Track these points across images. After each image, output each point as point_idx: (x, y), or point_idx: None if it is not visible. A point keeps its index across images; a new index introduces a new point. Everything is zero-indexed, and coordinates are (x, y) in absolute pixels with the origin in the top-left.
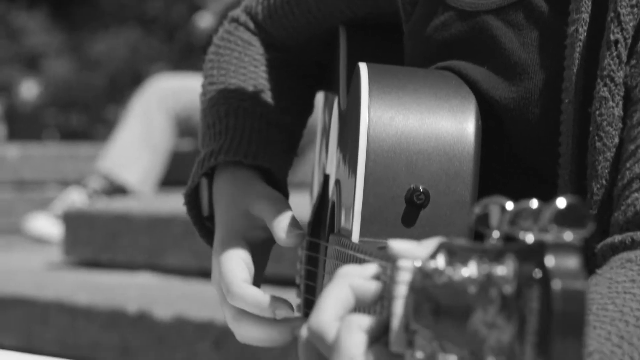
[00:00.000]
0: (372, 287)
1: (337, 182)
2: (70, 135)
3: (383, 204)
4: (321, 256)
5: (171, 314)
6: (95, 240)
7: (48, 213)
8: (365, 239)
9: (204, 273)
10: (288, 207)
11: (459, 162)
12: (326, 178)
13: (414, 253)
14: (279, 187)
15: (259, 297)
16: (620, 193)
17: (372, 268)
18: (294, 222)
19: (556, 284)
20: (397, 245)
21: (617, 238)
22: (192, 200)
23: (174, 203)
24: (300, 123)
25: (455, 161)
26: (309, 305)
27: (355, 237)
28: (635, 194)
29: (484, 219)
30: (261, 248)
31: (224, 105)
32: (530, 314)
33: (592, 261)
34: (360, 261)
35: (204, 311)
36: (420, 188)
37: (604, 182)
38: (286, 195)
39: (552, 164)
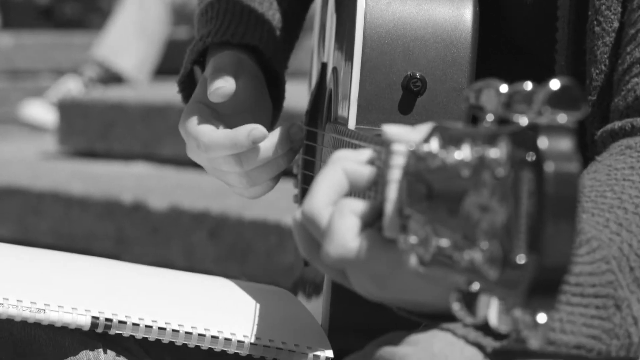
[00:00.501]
0: (365, 172)
1: (334, 69)
2: (65, 24)
3: (380, 91)
4: (318, 145)
5: (166, 204)
6: (91, 129)
7: (43, 100)
8: (362, 126)
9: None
10: (233, 67)
11: (456, 48)
12: (323, 66)
13: (407, 137)
14: (271, 67)
15: (229, 134)
16: (620, 78)
17: (366, 153)
18: (220, 75)
19: (549, 166)
20: (391, 129)
21: (617, 124)
22: (187, 88)
23: (169, 92)
24: (299, 6)
25: (452, 48)
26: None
27: (352, 124)
28: (636, 79)
29: (478, 100)
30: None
31: None
32: (523, 197)
33: (592, 148)
34: (355, 147)
35: (199, 201)
36: (417, 75)
37: (603, 67)
38: (280, 78)
39: (549, 50)
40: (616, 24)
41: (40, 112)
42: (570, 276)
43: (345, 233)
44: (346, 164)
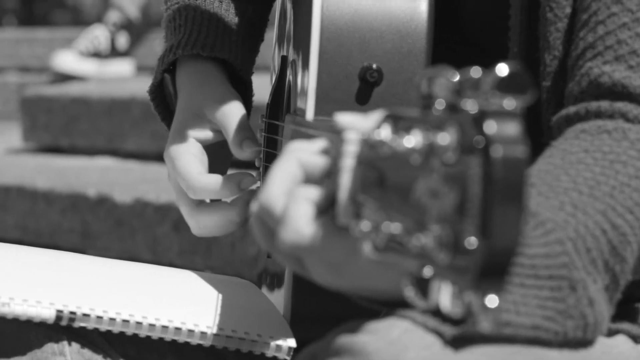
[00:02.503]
0: (319, 161)
1: (293, 62)
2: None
3: (337, 82)
4: (279, 137)
5: (131, 197)
6: (54, 125)
7: (73, 50)
8: (320, 117)
9: (162, 156)
10: (242, 112)
11: (412, 39)
12: (283, 59)
13: (359, 125)
14: (240, 77)
15: (220, 181)
16: (574, 63)
17: (320, 143)
18: (249, 134)
19: (496, 151)
20: (344, 118)
21: (571, 109)
22: (158, 97)
23: (133, 85)
24: (263, 9)
25: (408, 39)
26: None
27: (310, 116)
28: (589, 63)
29: (429, 87)
30: (219, 146)
31: None
32: (472, 182)
33: (548, 134)
34: (312, 137)
35: (164, 194)
36: (374, 66)
37: (556, 53)
38: (248, 85)
39: (503, 38)
40: (568, 10)
41: (74, 61)
42: (524, 258)
43: (299, 219)
44: (300, 154)
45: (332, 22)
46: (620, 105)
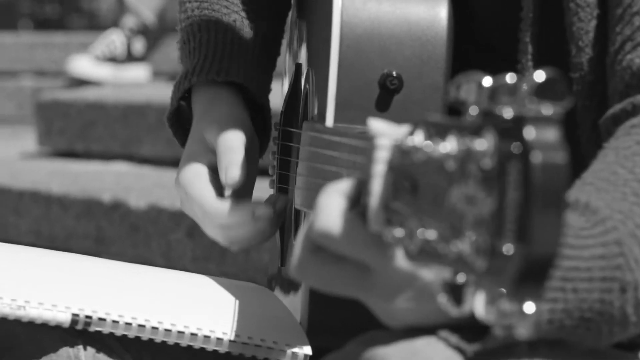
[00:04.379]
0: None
1: (310, 69)
2: (44, 24)
3: (357, 89)
4: (294, 144)
5: (146, 203)
6: (70, 129)
7: (89, 55)
8: (339, 124)
9: (179, 162)
10: (237, 136)
11: (432, 46)
12: (298, 67)
13: (392, 131)
14: (256, 100)
15: (235, 208)
16: (613, 59)
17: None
18: (235, 159)
19: (536, 157)
20: (376, 124)
21: (617, 107)
22: (176, 123)
23: (149, 91)
24: (277, 25)
25: (428, 46)
26: (282, 192)
27: (330, 123)
28: (629, 56)
29: (460, 93)
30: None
31: (197, 18)
32: (510, 188)
33: (592, 139)
34: (335, 145)
35: (178, 200)
36: (394, 73)
37: (580, 43)
38: (265, 107)
39: (515, 47)
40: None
41: (90, 66)
42: (580, 261)
43: (332, 210)
44: (339, 187)
45: (352, 29)
46: None
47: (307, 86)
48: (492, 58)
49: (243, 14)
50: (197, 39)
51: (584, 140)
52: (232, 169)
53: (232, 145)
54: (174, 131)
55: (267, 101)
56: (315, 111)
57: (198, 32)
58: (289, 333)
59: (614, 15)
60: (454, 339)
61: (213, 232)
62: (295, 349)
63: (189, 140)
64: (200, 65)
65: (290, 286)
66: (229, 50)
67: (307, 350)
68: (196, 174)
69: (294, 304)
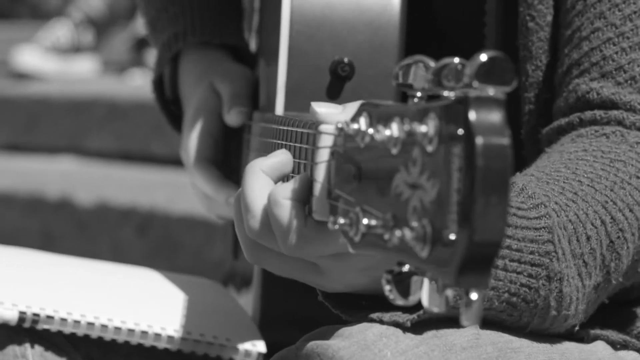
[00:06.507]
0: (282, 159)
1: (261, 57)
2: None
3: (307, 76)
4: (245, 134)
5: (93, 199)
6: (16, 124)
7: (35, 45)
8: (290, 112)
9: (126, 156)
10: (247, 85)
11: (385, 32)
12: (255, 56)
13: (335, 117)
14: (246, 60)
15: (212, 181)
16: (561, 80)
17: (277, 153)
18: (241, 101)
19: (479, 139)
20: (320, 108)
21: (563, 121)
22: (159, 87)
23: (95, 86)
24: None
25: (380, 32)
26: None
27: (280, 111)
28: (576, 80)
29: (406, 77)
30: None
31: None
32: (454, 172)
33: (528, 146)
34: (284, 134)
35: (127, 196)
36: (345, 59)
37: (538, 63)
38: (248, 55)
39: (478, 45)
40: (549, 18)
41: (35, 59)
42: (513, 241)
43: (283, 219)
44: (261, 165)
45: (302, 15)
46: (616, 113)
47: (258, 74)
48: (452, 55)
49: None
50: (177, 4)
51: (527, 143)
52: (239, 105)
53: (240, 92)
54: (158, 95)
55: (248, 49)
56: (267, 99)
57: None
58: (242, 329)
59: (562, 35)
60: (388, 316)
61: (193, 190)
62: (248, 346)
63: (194, 92)
64: (190, 27)
65: (243, 283)
66: (217, 15)
67: (261, 347)
68: (204, 128)
69: (248, 300)
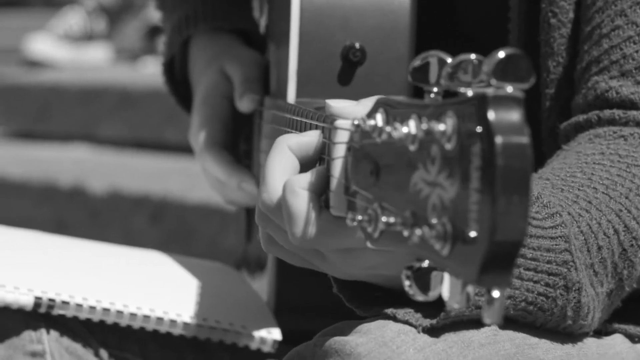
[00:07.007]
0: (311, 139)
1: (272, 42)
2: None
3: (318, 62)
4: (256, 119)
5: (106, 187)
6: (29, 111)
7: (48, 34)
8: (301, 99)
9: (139, 144)
10: (258, 71)
11: (395, 16)
12: (264, 40)
13: (351, 112)
14: (257, 44)
15: (224, 165)
16: (580, 76)
17: (310, 133)
18: (253, 87)
19: (498, 138)
20: (335, 103)
21: (581, 117)
22: (169, 69)
23: (108, 74)
24: None
25: (391, 16)
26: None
27: (291, 97)
28: (595, 77)
29: (422, 73)
30: None
31: None
32: (473, 170)
33: (548, 142)
34: (297, 124)
35: (139, 184)
36: (356, 45)
37: (560, 59)
38: (258, 40)
39: (502, 41)
40: (572, 15)
41: (48, 47)
42: (528, 250)
43: (300, 208)
44: (289, 142)
45: (312, 1)
46: (635, 114)
47: (269, 59)
48: (474, 51)
49: None
50: None
51: (546, 140)
52: (250, 91)
53: (252, 77)
54: (168, 77)
55: (259, 34)
56: (277, 85)
57: None
58: (257, 316)
59: (582, 31)
60: (402, 313)
61: (205, 175)
62: (264, 334)
63: (204, 75)
64: (201, 11)
65: (257, 267)
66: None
67: (276, 334)
68: (214, 112)
69: (262, 285)
